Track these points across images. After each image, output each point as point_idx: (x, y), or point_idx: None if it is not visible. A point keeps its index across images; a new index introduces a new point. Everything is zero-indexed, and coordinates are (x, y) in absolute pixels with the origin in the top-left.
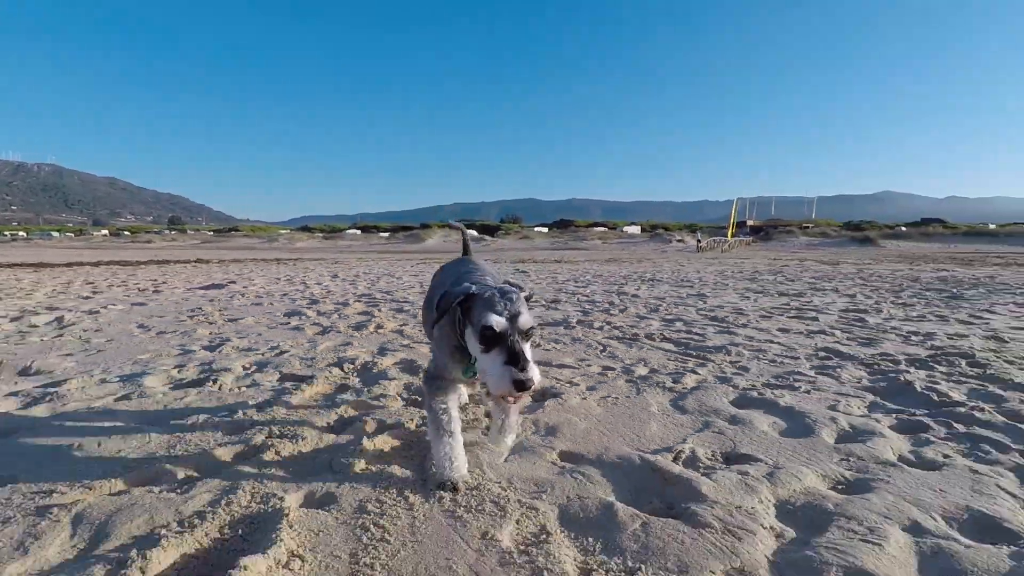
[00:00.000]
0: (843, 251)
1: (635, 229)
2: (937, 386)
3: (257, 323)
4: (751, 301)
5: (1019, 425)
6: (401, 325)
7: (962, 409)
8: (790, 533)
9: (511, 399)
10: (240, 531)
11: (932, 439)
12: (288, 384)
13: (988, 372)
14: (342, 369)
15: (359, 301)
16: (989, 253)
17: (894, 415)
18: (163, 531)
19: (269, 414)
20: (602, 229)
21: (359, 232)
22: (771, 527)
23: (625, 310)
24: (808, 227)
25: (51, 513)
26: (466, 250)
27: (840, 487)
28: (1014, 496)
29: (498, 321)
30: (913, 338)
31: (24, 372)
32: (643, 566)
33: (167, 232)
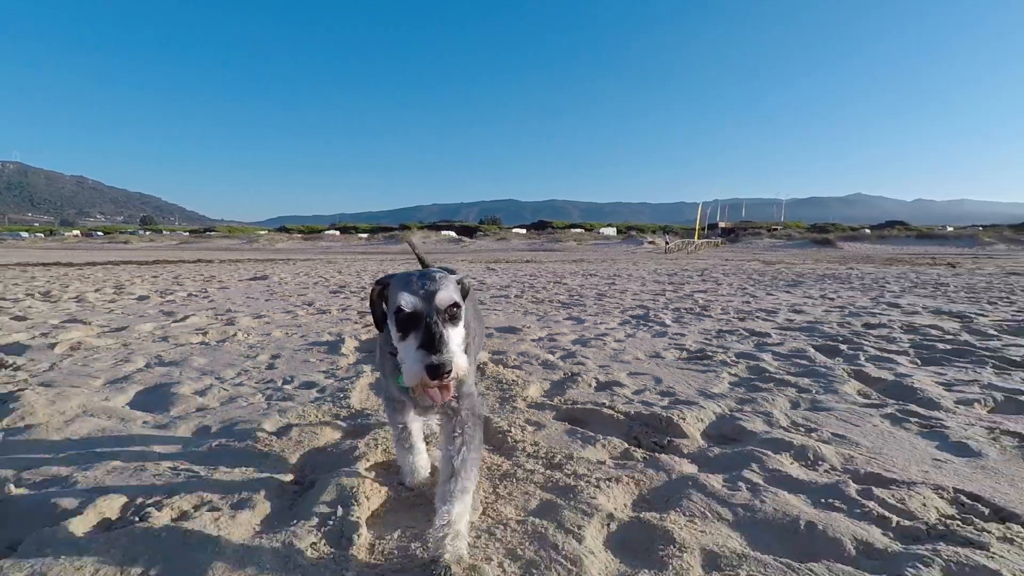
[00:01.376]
0: (800, 252)
1: (611, 231)
2: (721, 327)
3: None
4: (644, 285)
5: (742, 330)
6: None
7: (727, 333)
8: None
9: (428, 390)
10: None
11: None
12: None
13: (746, 322)
14: None
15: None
16: (920, 254)
17: (668, 338)
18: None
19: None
20: (579, 231)
21: (338, 233)
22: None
23: (545, 289)
24: (776, 229)
25: None
26: (423, 265)
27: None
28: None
29: (410, 300)
30: (730, 306)
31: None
32: None
33: (143, 233)
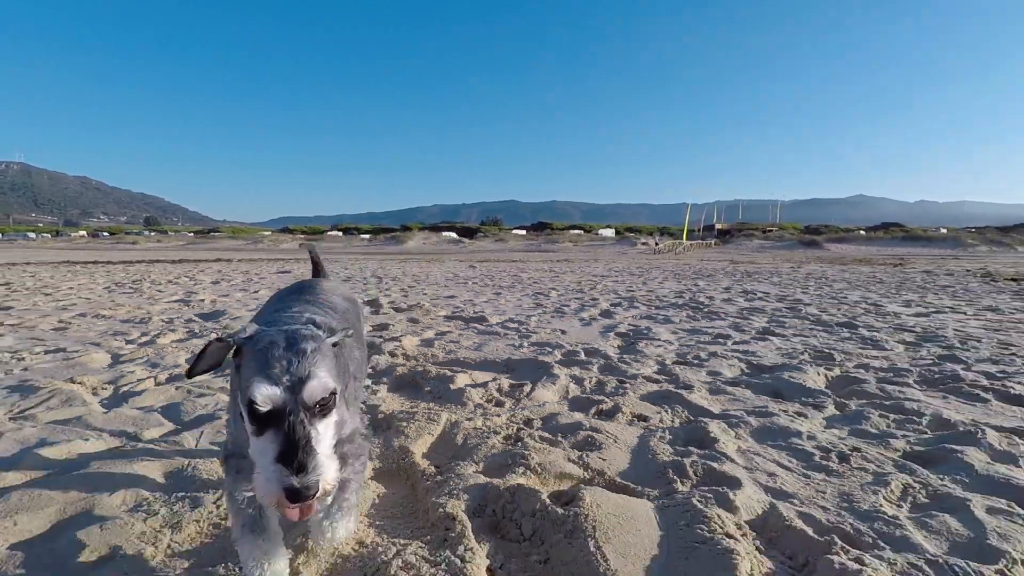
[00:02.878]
0: (782, 252)
1: (609, 232)
2: (663, 301)
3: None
4: (615, 282)
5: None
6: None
7: (667, 306)
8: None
9: (285, 511)
10: None
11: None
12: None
13: (692, 299)
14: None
15: (404, 276)
16: (897, 255)
17: (630, 313)
18: None
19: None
20: (577, 232)
21: (340, 234)
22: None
23: (495, 278)
24: (771, 230)
25: None
26: (317, 270)
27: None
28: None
29: (268, 394)
30: (664, 290)
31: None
32: None
33: (148, 233)
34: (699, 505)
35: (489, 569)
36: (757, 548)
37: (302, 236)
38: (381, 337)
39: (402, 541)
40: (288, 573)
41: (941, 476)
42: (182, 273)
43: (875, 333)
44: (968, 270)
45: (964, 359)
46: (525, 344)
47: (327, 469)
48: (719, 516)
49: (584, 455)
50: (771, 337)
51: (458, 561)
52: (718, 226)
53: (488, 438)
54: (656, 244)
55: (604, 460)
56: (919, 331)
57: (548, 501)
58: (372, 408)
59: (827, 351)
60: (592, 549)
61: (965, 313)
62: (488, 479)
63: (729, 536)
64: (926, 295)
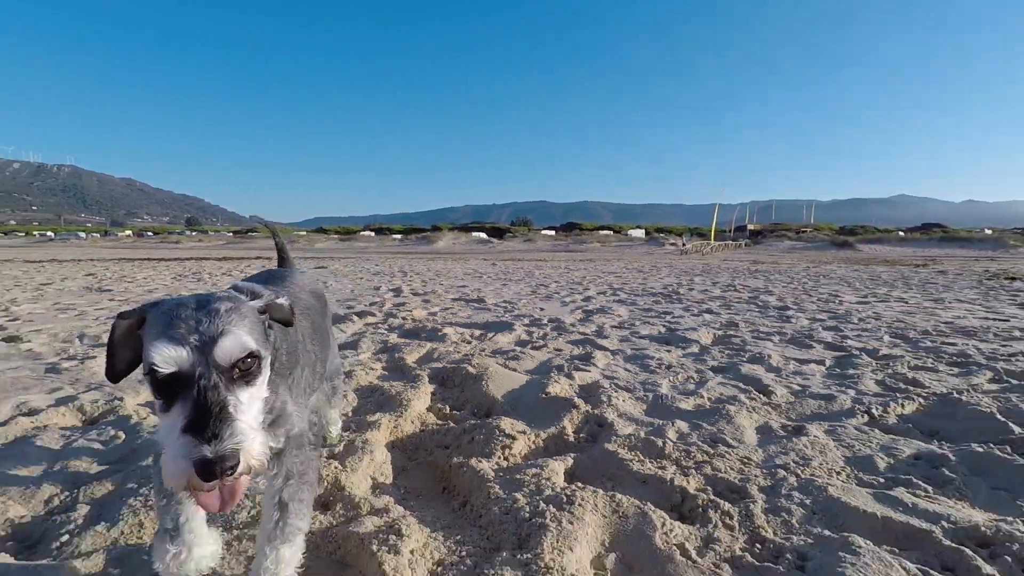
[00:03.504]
0: (812, 253)
1: (639, 232)
2: (670, 294)
3: (369, 278)
4: (592, 276)
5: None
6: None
7: (663, 300)
8: None
9: (198, 497)
10: None
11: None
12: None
13: (674, 290)
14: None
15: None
16: (929, 256)
17: (624, 303)
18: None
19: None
20: (607, 232)
21: (373, 234)
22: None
23: (510, 274)
24: (805, 231)
25: None
26: (283, 260)
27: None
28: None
29: (171, 355)
30: (660, 283)
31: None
32: None
33: (190, 233)
34: (552, 376)
35: (432, 394)
36: (582, 399)
37: (336, 236)
38: (398, 310)
39: (392, 383)
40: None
41: (719, 376)
42: (231, 268)
43: (797, 313)
44: (986, 271)
45: (840, 328)
46: (506, 315)
47: (250, 439)
48: (562, 382)
49: (508, 362)
50: (705, 314)
51: (413, 385)
52: (750, 227)
53: (453, 355)
54: (683, 245)
55: (518, 363)
56: (837, 313)
57: (472, 371)
58: (383, 341)
59: (737, 322)
60: (485, 387)
61: (899, 302)
62: (444, 366)
63: (562, 395)
64: (894, 289)
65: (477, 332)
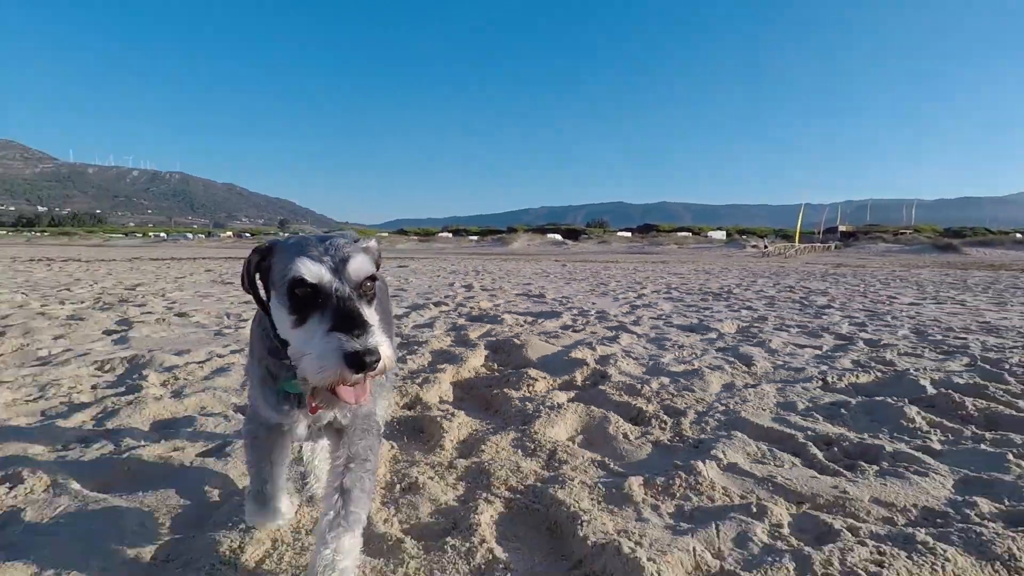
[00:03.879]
0: (909, 257)
1: (720, 234)
2: (746, 300)
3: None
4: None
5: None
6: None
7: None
8: None
9: (340, 391)
10: None
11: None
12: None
13: (728, 291)
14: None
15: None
16: None
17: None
18: None
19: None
20: (684, 234)
21: (450, 235)
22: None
23: (574, 274)
24: (903, 233)
25: None
26: None
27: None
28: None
29: (313, 269)
30: (711, 282)
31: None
32: None
33: (283, 234)
34: (579, 347)
35: (486, 356)
36: (596, 363)
37: (415, 237)
38: (468, 301)
39: (457, 348)
40: (285, 524)
41: (718, 353)
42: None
43: (835, 312)
44: None
45: (866, 324)
46: (559, 307)
47: (385, 342)
48: (584, 351)
49: (549, 339)
50: (743, 310)
51: (471, 350)
52: (841, 228)
53: (506, 333)
54: (765, 247)
55: (557, 340)
56: (877, 312)
57: (517, 343)
58: (453, 323)
59: (767, 317)
60: (525, 352)
61: (956, 304)
62: (497, 339)
63: (581, 358)
64: (965, 292)
65: (530, 318)
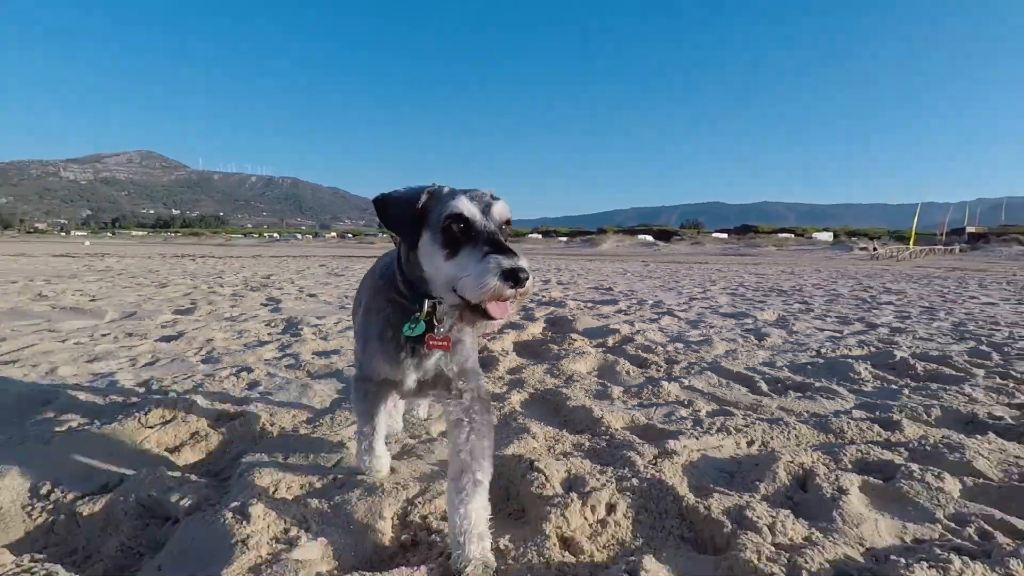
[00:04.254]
0: None
1: (826, 236)
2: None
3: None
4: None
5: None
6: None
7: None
8: None
9: (491, 305)
10: None
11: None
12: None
13: (800, 289)
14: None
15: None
16: None
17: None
18: None
19: None
20: (785, 235)
21: (540, 236)
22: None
23: (654, 274)
24: None
25: None
26: None
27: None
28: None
29: (468, 208)
30: (750, 285)
31: None
32: None
33: (382, 236)
34: (621, 324)
35: (543, 327)
36: (629, 333)
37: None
38: (541, 291)
39: (523, 321)
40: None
41: (739, 330)
42: None
43: (891, 308)
44: None
45: (912, 317)
46: (621, 298)
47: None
48: (623, 326)
49: (599, 318)
50: (797, 304)
51: (532, 322)
52: (969, 229)
53: (565, 313)
54: (874, 250)
55: (606, 319)
56: (932, 306)
57: (569, 318)
58: (523, 307)
59: (814, 308)
60: (574, 324)
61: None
62: (555, 316)
63: (617, 328)
64: None
65: (591, 304)
